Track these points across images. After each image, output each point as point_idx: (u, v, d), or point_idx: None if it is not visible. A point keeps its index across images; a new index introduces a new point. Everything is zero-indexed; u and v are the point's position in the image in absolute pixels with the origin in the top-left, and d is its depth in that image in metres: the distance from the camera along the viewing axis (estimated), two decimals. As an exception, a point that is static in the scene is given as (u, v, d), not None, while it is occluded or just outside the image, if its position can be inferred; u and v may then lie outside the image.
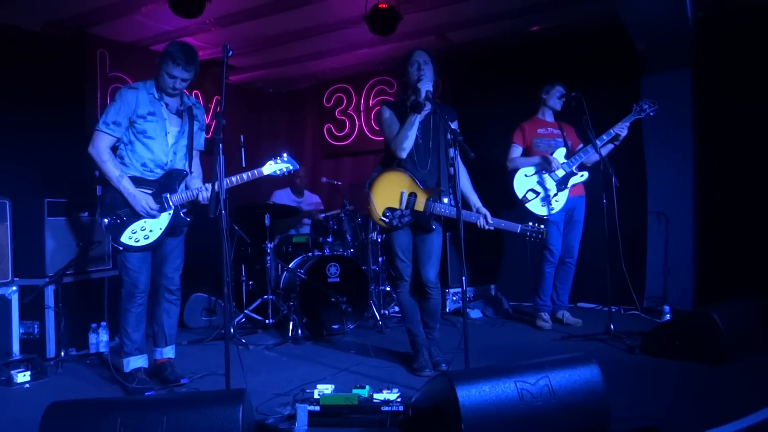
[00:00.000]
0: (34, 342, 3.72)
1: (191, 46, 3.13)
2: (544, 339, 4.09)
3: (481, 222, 3.31)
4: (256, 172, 3.17)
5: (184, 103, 3.22)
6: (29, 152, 4.58)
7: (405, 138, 3.22)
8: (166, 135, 3.12)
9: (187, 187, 3.22)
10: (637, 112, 4.11)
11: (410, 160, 3.29)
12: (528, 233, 3.35)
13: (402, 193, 3.25)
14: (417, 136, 3.27)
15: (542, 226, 3.34)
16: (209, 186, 3.10)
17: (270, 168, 3.21)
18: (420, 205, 3.24)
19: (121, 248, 3.04)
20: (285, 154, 3.25)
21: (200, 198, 3.10)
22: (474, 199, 3.41)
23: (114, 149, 3.09)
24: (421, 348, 3.37)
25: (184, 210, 3.20)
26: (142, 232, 3.06)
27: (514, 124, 4.52)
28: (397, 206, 3.24)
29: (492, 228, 3.32)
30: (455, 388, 2.03)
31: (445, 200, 3.26)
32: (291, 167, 3.25)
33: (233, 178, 3.10)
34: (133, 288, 3.09)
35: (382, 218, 3.24)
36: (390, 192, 3.26)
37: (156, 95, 3.09)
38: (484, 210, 3.35)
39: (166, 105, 3.13)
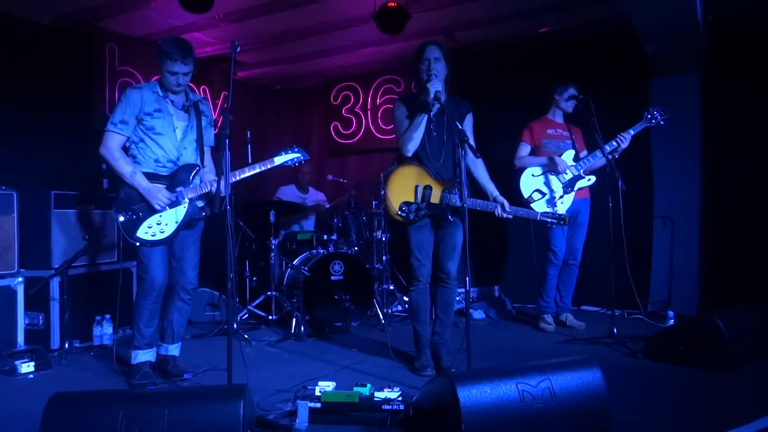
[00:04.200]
0: (39, 333, 3.75)
1: (183, 39, 3.17)
2: (546, 341, 4.08)
3: (498, 211, 3.27)
4: (267, 162, 3.19)
5: (190, 99, 3.24)
6: (37, 144, 4.61)
7: (410, 139, 3.24)
8: (174, 130, 3.14)
9: (201, 182, 3.24)
10: (647, 120, 4.08)
11: (423, 153, 3.29)
12: (549, 220, 3.32)
13: (417, 187, 3.24)
14: (431, 129, 3.28)
15: (564, 213, 3.31)
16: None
17: (281, 159, 3.23)
18: (436, 197, 3.24)
19: (137, 243, 3.04)
20: (295, 146, 3.28)
21: (214, 190, 3.11)
22: (491, 188, 3.38)
23: (126, 150, 3.12)
24: (424, 348, 3.37)
25: (203, 203, 3.21)
26: (158, 227, 3.07)
27: (520, 124, 4.51)
28: (412, 200, 3.24)
29: (510, 216, 3.28)
30: (456, 388, 2.03)
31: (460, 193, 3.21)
32: (302, 157, 3.26)
33: (246, 170, 3.12)
34: (150, 285, 3.09)
35: (399, 213, 3.22)
36: (405, 186, 3.25)
37: (161, 93, 3.13)
38: (501, 198, 3.32)
39: (172, 102, 3.16)
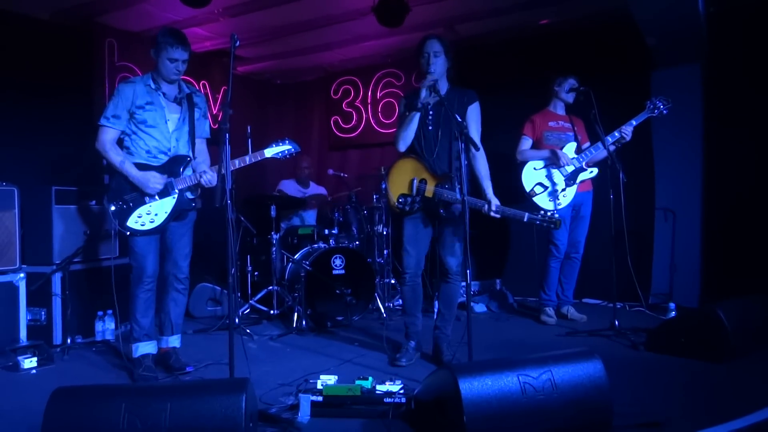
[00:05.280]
0: (41, 329, 3.76)
1: (176, 28, 3.21)
2: (548, 334, 4.08)
3: (485, 209, 3.22)
4: (258, 154, 3.19)
5: (183, 90, 3.26)
6: (37, 140, 4.61)
7: (400, 137, 3.32)
8: (166, 122, 3.17)
9: (194, 171, 3.25)
10: (650, 110, 4.06)
11: (419, 147, 3.33)
12: (537, 221, 3.19)
13: (413, 180, 3.28)
14: (426, 124, 3.30)
15: (556, 215, 3.21)
16: (214, 169, 3.17)
17: (271, 151, 3.23)
18: (430, 191, 3.26)
19: (127, 233, 3.09)
20: (287, 139, 3.28)
21: (203, 181, 3.14)
22: (486, 184, 3.31)
23: (120, 143, 3.16)
24: (409, 340, 3.42)
25: (192, 195, 3.23)
26: (148, 216, 3.10)
27: (521, 117, 4.50)
28: (409, 192, 3.28)
29: (498, 215, 3.22)
30: (458, 380, 2.04)
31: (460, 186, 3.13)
32: (292, 149, 3.25)
33: (236, 161, 3.12)
34: (141, 273, 3.14)
35: (397, 205, 3.29)
36: (403, 179, 3.31)
37: (153, 86, 3.15)
38: (490, 196, 3.26)
39: (164, 94, 3.18)
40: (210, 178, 3.13)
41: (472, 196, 3.17)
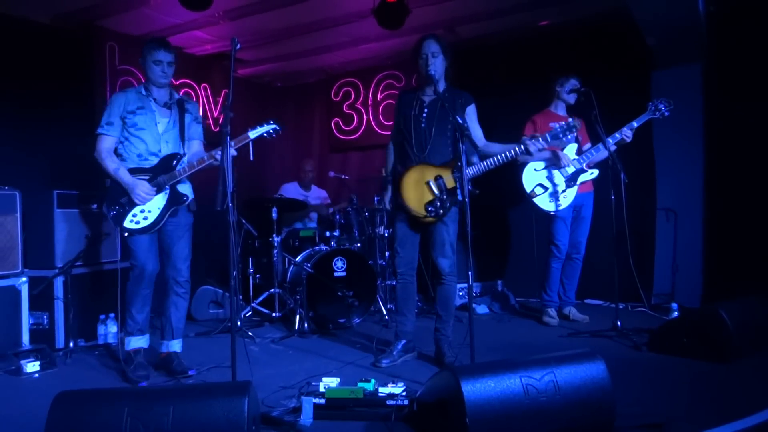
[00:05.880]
0: (44, 332, 3.77)
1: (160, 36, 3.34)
2: (550, 335, 4.08)
3: (522, 150, 3.12)
4: (242, 138, 3.15)
5: (173, 97, 3.34)
6: (39, 144, 4.62)
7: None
8: (156, 125, 3.24)
9: (187, 163, 3.25)
10: (651, 112, 4.04)
11: (409, 144, 3.35)
12: (559, 131, 3.16)
13: (429, 183, 3.25)
14: (420, 121, 3.31)
15: (571, 120, 3.13)
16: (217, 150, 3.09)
17: (256, 132, 3.18)
18: (450, 181, 3.24)
19: (125, 234, 3.17)
20: (270, 120, 3.22)
21: (218, 156, 3.01)
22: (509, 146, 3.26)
23: (114, 151, 3.23)
24: (396, 341, 3.43)
25: (186, 193, 3.26)
26: (142, 214, 3.18)
27: (522, 118, 4.49)
28: (432, 197, 3.25)
29: (538, 147, 3.12)
30: (460, 382, 2.04)
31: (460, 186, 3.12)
32: (277, 127, 3.19)
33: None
34: (140, 272, 3.20)
35: (430, 214, 3.24)
36: (419, 189, 3.27)
37: (144, 93, 3.25)
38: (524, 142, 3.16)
39: (155, 99, 3.26)
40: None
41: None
